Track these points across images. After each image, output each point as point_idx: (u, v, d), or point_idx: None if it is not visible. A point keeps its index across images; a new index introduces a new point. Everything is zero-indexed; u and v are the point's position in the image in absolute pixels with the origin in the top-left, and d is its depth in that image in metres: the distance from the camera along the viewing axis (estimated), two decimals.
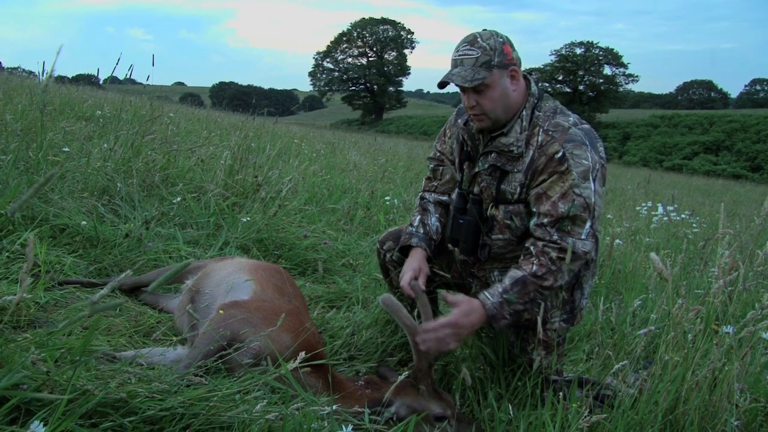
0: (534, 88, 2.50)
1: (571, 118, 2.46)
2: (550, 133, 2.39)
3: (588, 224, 2.34)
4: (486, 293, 2.36)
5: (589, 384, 2.40)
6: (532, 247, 2.39)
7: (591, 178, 2.32)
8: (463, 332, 2.31)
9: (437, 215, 2.78)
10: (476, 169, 2.59)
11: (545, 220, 2.35)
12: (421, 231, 2.72)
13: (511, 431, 2.27)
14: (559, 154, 2.33)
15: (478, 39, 2.37)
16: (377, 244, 2.98)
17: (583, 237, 2.34)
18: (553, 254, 2.33)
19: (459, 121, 2.72)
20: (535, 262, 2.35)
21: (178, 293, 3.06)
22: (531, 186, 2.42)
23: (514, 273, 2.37)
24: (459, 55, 2.38)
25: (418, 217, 2.78)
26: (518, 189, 2.46)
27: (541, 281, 2.33)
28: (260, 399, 2.00)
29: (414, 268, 2.58)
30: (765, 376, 2.55)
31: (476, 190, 2.61)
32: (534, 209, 2.41)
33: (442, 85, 2.43)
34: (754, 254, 2.97)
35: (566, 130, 2.39)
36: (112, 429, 1.72)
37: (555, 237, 2.33)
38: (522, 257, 2.42)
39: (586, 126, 2.45)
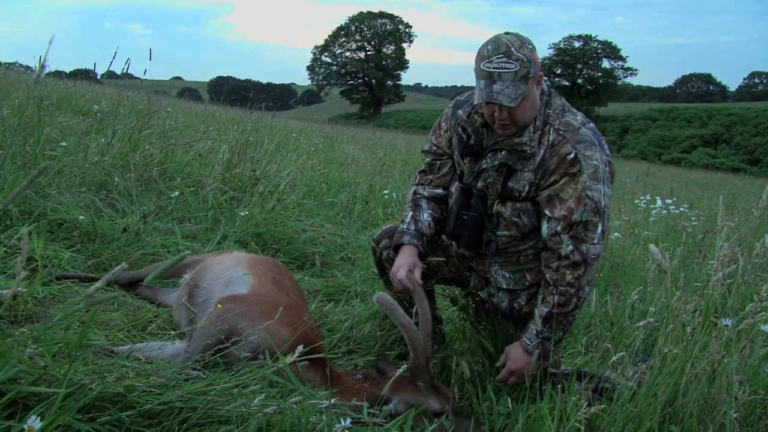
0: (544, 85, 2.47)
1: (578, 117, 2.46)
2: (561, 132, 2.39)
3: (600, 227, 2.37)
4: (525, 339, 2.48)
5: (587, 377, 2.40)
6: (548, 275, 2.43)
7: (601, 179, 2.34)
8: (524, 371, 2.45)
9: (430, 210, 2.75)
10: (483, 165, 2.54)
11: (559, 227, 2.37)
12: (413, 228, 2.70)
13: (509, 424, 2.27)
14: (571, 155, 2.34)
15: (512, 49, 2.26)
16: (372, 242, 2.96)
17: (595, 241, 2.38)
18: (569, 276, 2.38)
19: (460, 112, 2.65)
20: (554, 292, 2.40)
21: (177, 287, 3.05)
22: (541, 186, 2.42)
23: (541, 310, 2.43)
24: (495, 68, 2.27)
25: (410, 213, 2.75)
26: (527, 187, 2.45)
27: (566, 308, 2.42)
28: (258, 393, 2.00)
29: (408, 262, 2.57)
30: (764, 369, 2.56)
31: (480, 185, 2.58)
32: (546, 212, 2.41)
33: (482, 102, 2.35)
34: (752, 246, 2.97)
35: (577, 130, 2.39)
36: (109, 423, 1.71)
37: (569, 249, 2.35)
38: (542, 286, 2.48)
39: (592, 125, 2.46)
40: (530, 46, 2.31)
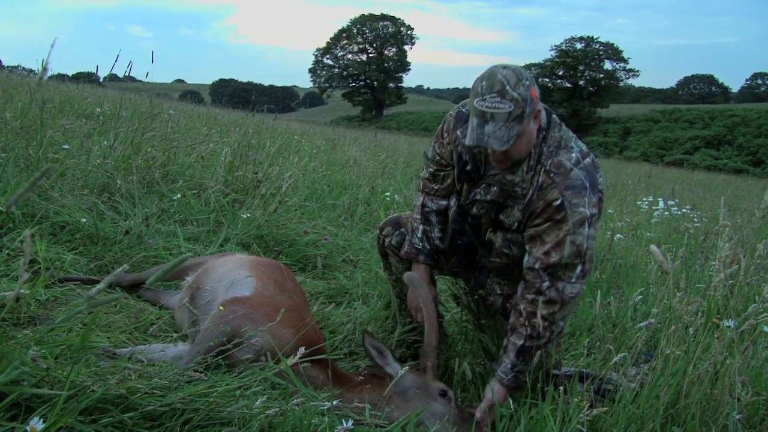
0: (543, 118, 2.36)
1: (573, 155, 2.35)
2: (552, 175, 2.31)
3: (579, 268, 2.33)
4: (499, 372, 2.43)
5: (590, 378, 2.40)
6: (521, 305, 2.39)
7: (587, 224, 2.29)
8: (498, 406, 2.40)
9: (440, 225, 2.73)
10: (477, 197, 2.52)
11: (537, 265, 2.34)
12: (427, 247, 2.71)
13: (512, 426, 2.27)
14: (557, 202, 2.27)
15: (507, 87, 2.14)
16: (377, 230, 2.99)
17: (573, 280, 2.33)
18: (543, 311, 2.34)
19: (458, 133, 2.55)
20: (526, 324, 2.37)
21: (179, 290, 3.06)
22: (527, 224, 2.39)
23: (513, 343, 2.40)
24: (487, 107, 2.16)
25: (421, 228, 2.73)
26: (516, 223, 2.44)
27: (539, 341, 2.37)
28: (260, 394, 2.00)
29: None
30: (766, 370, 2.55)
31: (474, 211, 2.57)
32: (527, 247, 2.39)
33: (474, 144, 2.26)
34: (755, 247, 2.97)
35: (568, 172, 2.30)
36: (111, 425, 1.71)
37: (545, 285, 2.32)
38: (515, 316, 2.42)
39: (588, 161, 2.36)
40: (527, 83, 2.17)
